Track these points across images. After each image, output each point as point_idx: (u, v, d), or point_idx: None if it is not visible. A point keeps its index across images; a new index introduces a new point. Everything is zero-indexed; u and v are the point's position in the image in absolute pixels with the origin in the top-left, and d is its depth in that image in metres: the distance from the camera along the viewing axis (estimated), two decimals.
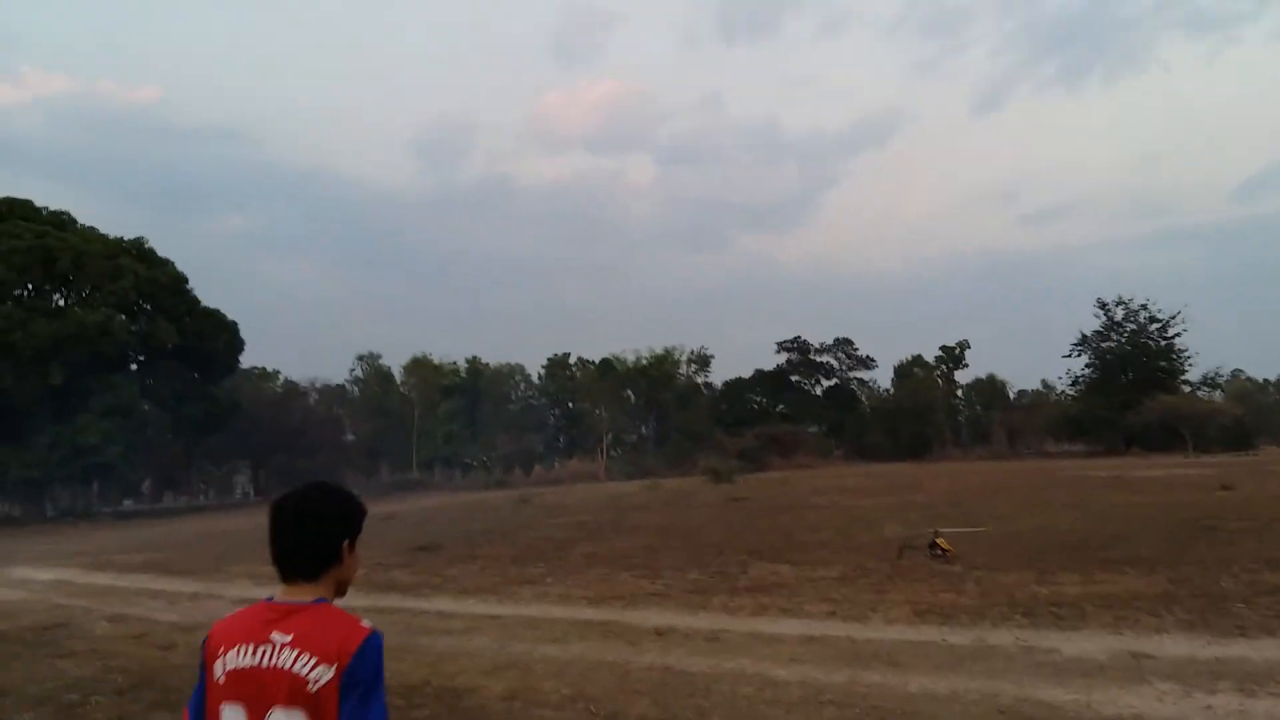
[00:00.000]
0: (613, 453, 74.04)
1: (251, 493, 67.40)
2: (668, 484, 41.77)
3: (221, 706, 2.14)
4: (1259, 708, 5.60)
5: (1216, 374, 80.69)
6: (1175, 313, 74.60)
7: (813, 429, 79.84)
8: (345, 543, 2.35)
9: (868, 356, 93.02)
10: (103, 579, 16.75)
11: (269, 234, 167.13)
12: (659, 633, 9.07)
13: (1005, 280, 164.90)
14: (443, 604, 11.73)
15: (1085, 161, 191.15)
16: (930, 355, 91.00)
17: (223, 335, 52.77)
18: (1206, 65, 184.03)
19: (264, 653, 2.12)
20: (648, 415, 78.55)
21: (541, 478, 61.86)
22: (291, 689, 2.07)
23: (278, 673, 2.09)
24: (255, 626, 2.17)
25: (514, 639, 9.14)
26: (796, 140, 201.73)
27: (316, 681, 2.07)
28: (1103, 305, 77.46)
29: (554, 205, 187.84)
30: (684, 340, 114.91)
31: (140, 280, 46.71)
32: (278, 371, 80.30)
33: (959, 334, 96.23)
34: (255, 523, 33.19)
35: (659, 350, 79.25)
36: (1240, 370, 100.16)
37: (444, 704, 6.64)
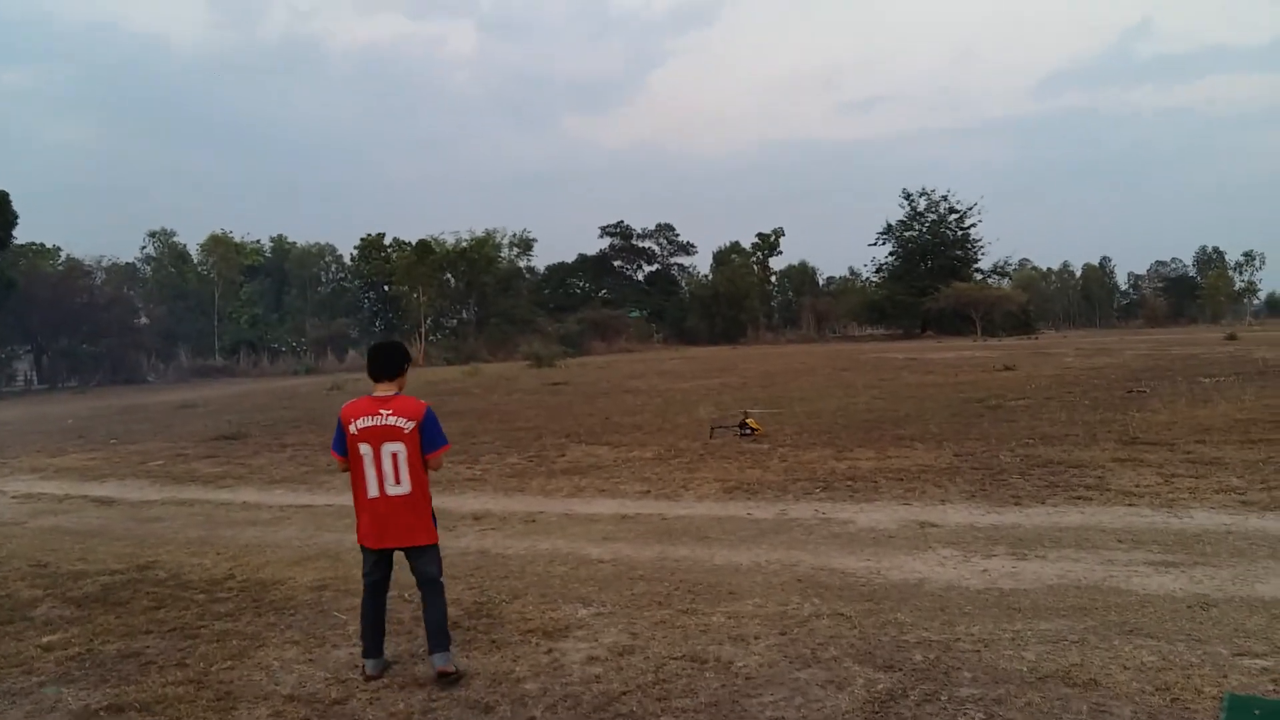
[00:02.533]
0: (432, 338, 72.40)
1: (35, 380, 62.20)
2: (488, 369, 41.56)
3: (358, 445, 4.59)
4: (1028, 569, 6.15)
5: (1006, 263, 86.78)
6: (972, 204, 79.37)
7: (634, 314, 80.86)
8: (406, 365, 4.87)
9: (688, 242, 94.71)
10: None
11: (45, 94, 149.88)
12: (476, 517, 9.07)
13: (820, 169, 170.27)
14: (248, 495, 11.30)
15: (899, 53, 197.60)
16: (747, 242, 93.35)
17: None
18: None
19: (378, 418, 4.58)
20: (468, 299, 77.01)
21: (356, 363, 60.06)
22: (396, 433, 4.56)
23: (388, 427, 4.56)
24: (371, 407, 4.63)
25: (324, 529, 8.91)
26: (624, 15, 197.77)
27: (407, 429, 4.57)
28: (907, 196, 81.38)
29: (367, 72, 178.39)
30: (506, 222, 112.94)
31: None
32: (58, 248, 73.15)
33: (775, 221, 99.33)
34: (39, 412, 30.80)
35: (480, 232, 77.35)
36: (1027, 259, 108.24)
37: (249, 596, 6.42)
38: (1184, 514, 7.53)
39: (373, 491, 4.62)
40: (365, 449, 4.58)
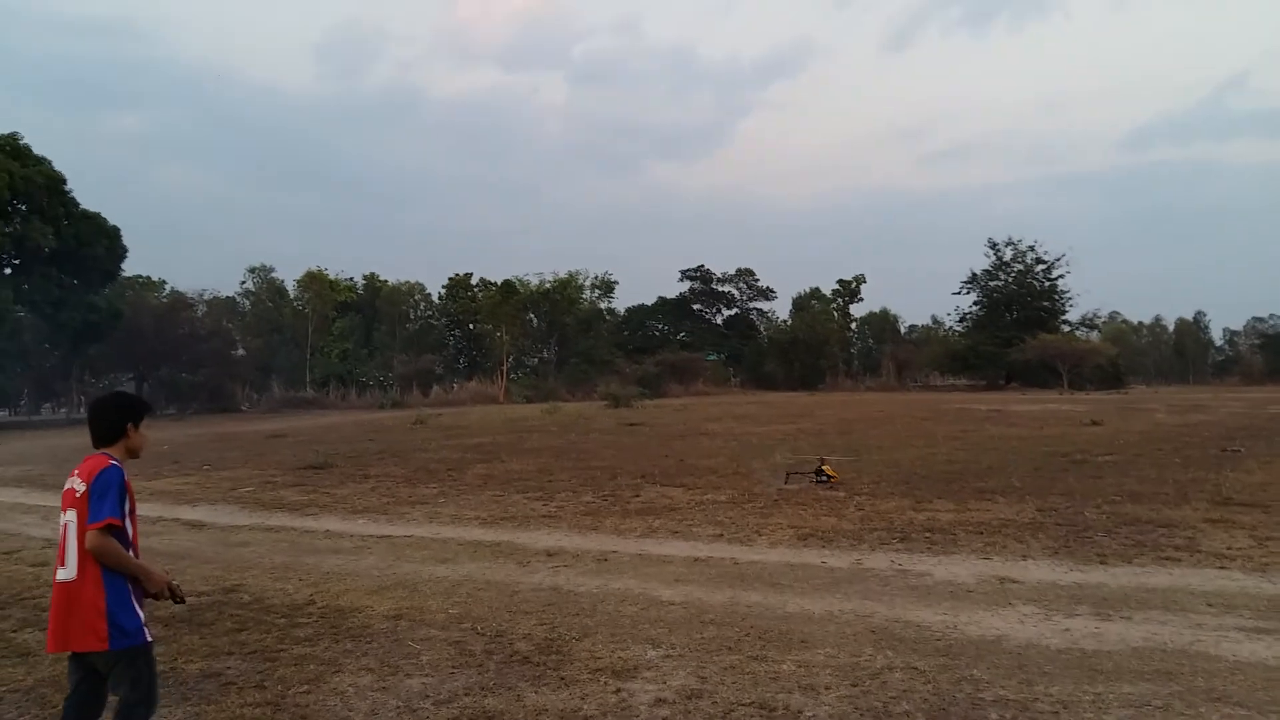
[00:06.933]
0: (513, 375, 73.43)
1: None
2: (567, 408, 41.89)
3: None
4: (1113, 630, 5.96)
5: (1095, 315, 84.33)
6: (1060, 255, 77.52)
7: (712, 357, 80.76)
8: (129, 425, 3.87)
9: (768, 287, 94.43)
10: None
11: (161, 136, 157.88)
12: (550, 554, 9.14)
13: (903, 218, 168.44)
14: (331, 523, 11.58)
15: (985, 105, 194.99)
16: (828, 288, 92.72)
17: (103, 240, 50.02)
18: (1109, 13, 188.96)
19: (69, 482, 3.70)
20: (550, 339, 78.15)
21: (440, 399, 61.13)
22: (72, 498, 3.65)
23: (69, 491, 3.67)
24: (74, 470, 3.74)
25: (403, 559, 9.09)
26: (712, 67, 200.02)
27: (78, 492, 3.62)
28: (993, 245, 79.91)
29: (462, 121, 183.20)
30: (588, 265, 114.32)
31: (13, 178, 43.72)
32: (163, 281, 76.76)
33: (856, 268, 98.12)
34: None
35: (563, 274, 78.65)
36: (1117, 312, 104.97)
37: (327, 623, 6.58)
38: (1278, 579, 7.21)
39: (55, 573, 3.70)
40: (61, 519, 3.72)
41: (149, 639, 3.71)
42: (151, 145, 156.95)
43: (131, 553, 3.71)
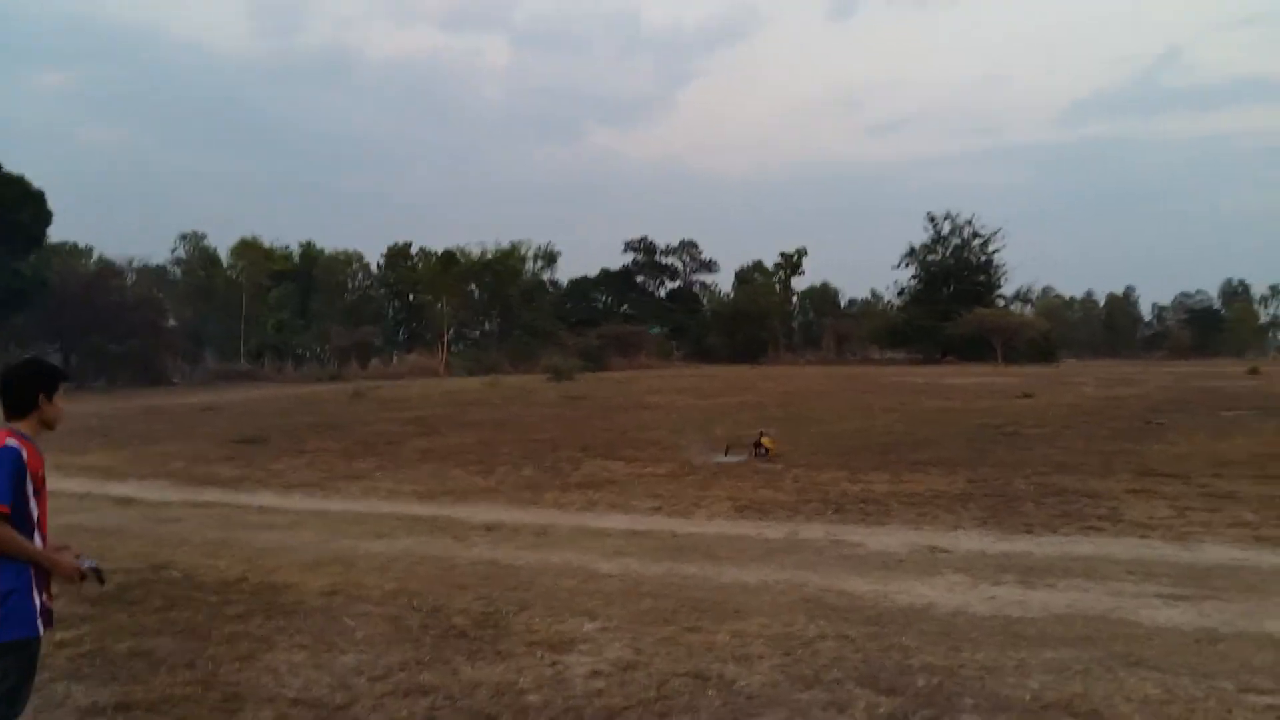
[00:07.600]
0: (454, 348, 72.69)
1: None
2: (509, 381, 41.68)
3: None
4: (1036, 597, 6.14)
5: (1028, 290, 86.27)
6: (996, 229, 78.91)
7: (655, 330, 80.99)
8: (41, 395, 3.46)
9: (711, 260, 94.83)
10: None
11: (86, 95, 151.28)
12: (488, 528, 9.13)
13: (846, 189, 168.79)
14: (266, 499, 11.42)
15: (926, 77, 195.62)
16: (770, 261, 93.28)
17: (28, 205, 48.32)
18: None
19: None
20: (491, 311, 77.54)
21: (379, 371, 60.41)
22: None
23: None
24: None
25: (339, 534, 9.00)
26: (655, 33, 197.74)
27: None
28: (931, 219, 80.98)
29: (400, 83, 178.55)
30: (531, 235, 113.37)
31: None
32: (91, 248, 74.35)
33: (798, 240, 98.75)
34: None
35: (505, 245, 78.00)
36: (1050, 287, 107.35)
37: (260, 599, 6.49)
38: (1196, 547, 7.51)
39: None
40: None
41: (38, 633, 3.35)
42: (74, 104, 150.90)
43: (37, 536, 3.41)
